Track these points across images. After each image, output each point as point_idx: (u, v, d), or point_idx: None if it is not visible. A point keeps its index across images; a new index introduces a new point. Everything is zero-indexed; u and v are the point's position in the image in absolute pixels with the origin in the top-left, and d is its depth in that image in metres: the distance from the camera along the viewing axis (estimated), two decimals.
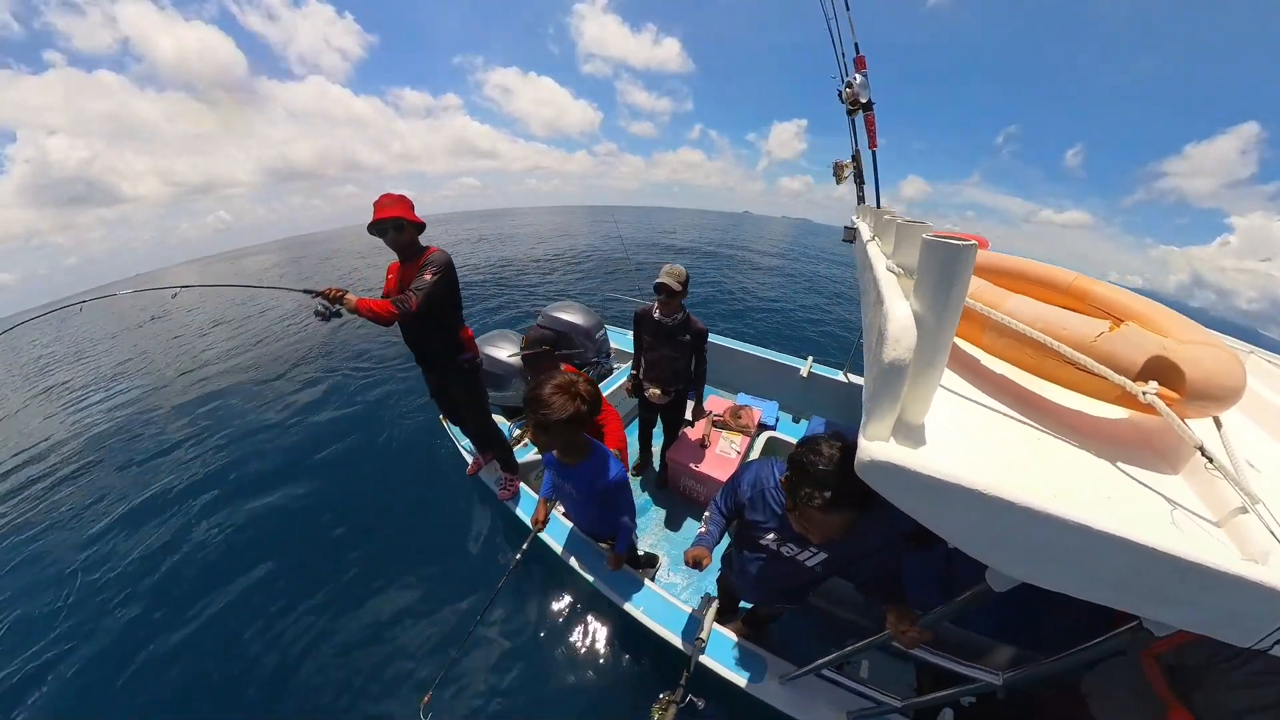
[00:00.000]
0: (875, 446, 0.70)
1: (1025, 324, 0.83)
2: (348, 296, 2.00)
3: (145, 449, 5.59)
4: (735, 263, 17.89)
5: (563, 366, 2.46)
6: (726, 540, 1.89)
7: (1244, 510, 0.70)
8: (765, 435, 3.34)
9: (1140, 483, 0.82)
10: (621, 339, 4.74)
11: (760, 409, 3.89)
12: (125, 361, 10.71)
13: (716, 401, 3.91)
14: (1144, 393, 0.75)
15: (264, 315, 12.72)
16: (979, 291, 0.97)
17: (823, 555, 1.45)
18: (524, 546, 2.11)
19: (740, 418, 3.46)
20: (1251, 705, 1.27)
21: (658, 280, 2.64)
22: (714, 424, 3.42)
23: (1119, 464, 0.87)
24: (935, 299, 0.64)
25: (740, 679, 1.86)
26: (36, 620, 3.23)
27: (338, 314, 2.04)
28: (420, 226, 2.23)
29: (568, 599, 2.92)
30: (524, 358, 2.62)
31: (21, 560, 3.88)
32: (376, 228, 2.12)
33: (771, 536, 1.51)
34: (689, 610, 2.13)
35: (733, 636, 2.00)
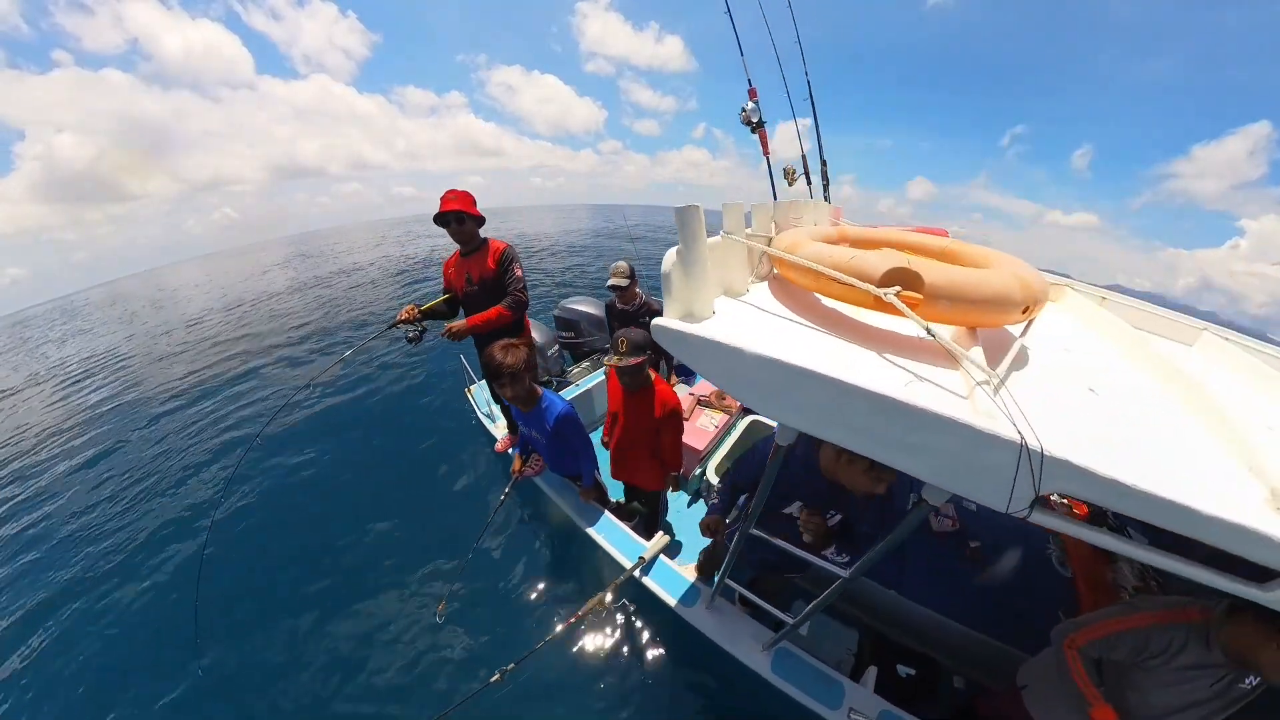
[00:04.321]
0: (665, 320, 1.01)
1: (803, 258, 1.12)
2: (453, 325, 2.38)
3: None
4: None
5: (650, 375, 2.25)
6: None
7: (981, 384, 0.85)
8: (749, 419, 3.59)
9: (904, 369, 0.98)
10: None
11: None
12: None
13: (706, 384, 4.20)
14: (885, 293, 0.95)
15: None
16: (782, 239, 1.29)
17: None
18: (507, 489, 2.58)
19: (725, 399, 3.75)
20: (1184, 702, 1.27)
21: (608, 283, 3.27)
22: (700, 403, 3.73)
23: (897, 360, 1.01)
24: (684, 235, 0.99)
25: (672, 599, 2.10)
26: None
27: (424, 331, 2.48)
28: (480, 220, 2.51)
29: (549, 529, 3.43)
30: (624, 369, 2.07)
31: None
32: (441, 219, 2.42)
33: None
34: (643, 542, 2.40)
35: (685, 574, 2.23)
